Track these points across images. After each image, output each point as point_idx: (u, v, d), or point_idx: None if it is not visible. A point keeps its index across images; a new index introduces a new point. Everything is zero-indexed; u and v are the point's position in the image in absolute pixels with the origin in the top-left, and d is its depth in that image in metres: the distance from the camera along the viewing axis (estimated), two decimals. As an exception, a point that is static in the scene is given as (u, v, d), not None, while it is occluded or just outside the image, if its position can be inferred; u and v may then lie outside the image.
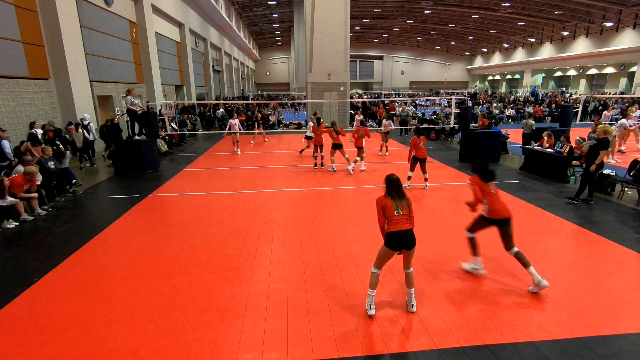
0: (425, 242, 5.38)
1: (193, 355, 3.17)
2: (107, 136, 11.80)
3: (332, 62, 18.96)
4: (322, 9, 18.21)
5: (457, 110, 13.58)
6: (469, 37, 50.34)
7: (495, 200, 4.39)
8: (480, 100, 30.86)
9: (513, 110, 23.77)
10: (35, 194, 6.85)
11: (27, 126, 10.14)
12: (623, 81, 34.41)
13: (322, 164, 10.50)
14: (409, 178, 8.19)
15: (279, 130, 20.09)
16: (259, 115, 18.66)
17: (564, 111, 11.89)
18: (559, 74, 43.39)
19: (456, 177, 9.41)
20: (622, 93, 31.31)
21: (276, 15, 40.87)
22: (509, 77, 52.76)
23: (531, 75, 45.22)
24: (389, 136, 12.97)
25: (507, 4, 32.16)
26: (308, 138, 12.18)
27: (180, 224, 6.30)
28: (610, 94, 31.93)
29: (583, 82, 39.04)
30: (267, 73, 61.40)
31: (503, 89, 52.59)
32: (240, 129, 13.57)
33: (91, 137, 11.16)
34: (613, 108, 18.23)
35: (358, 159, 9.76)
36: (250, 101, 29.26)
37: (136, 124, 10.91)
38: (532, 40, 43.05)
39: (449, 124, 14.68)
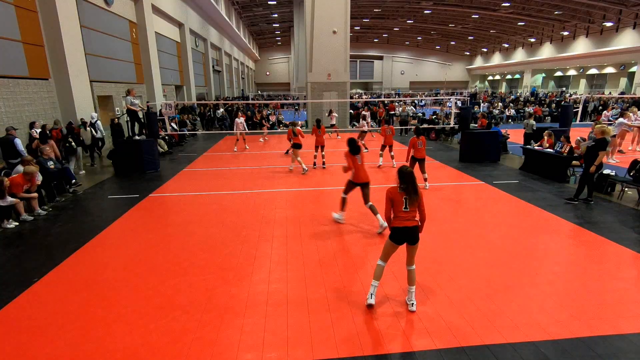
0: (425, 242, 5.37)
1: (193, 355, 3.17)
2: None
3: (332, 62, 18.96)
4: (322, 9, 18.21)
5: (457, 110, 13.58)
6: (469, 37, 50.32)
7: (359, 169, 5.95)
8: (480, 100, 30.85)
9: (513, 110, 23.77)
10: (35, 194, 6.85)
11: (27, 126, 10.14)
12: (623, 81, 34.39)
13: (323, 163, 10.55)
14: None
15: (279, 130, 20.09)
16: (259, 115, 18.71)
17: (564, 111, 11.88)
18: (559, 74, 43.37)
19: (456, 177, 9.41)
20: (622, 93, 31.30)
21: (276, 15, 40.85)
22: (509, 77, 52.74)
23: (531, 75, 45.20)
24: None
25: (507, 4, 32.14)
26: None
27: (180, 224, 6.30)
28: (610, 94, 31.90)
29: (583, 82, 39.01)
30: (267, 73, 61.38)
31: (503, 89, 52.57)
32: (244, 128, 13.93)
33: (99, 135, 11.38)
34: (613, 108, 18.23)
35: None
36: (250, 101, 29.26)
37: (136, 124, 10.92)
38: (532, 40, 43.04)
39: (449, 124, 14.68)
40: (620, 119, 11.18)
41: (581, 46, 35.99)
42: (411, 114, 21.12)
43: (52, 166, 7.91)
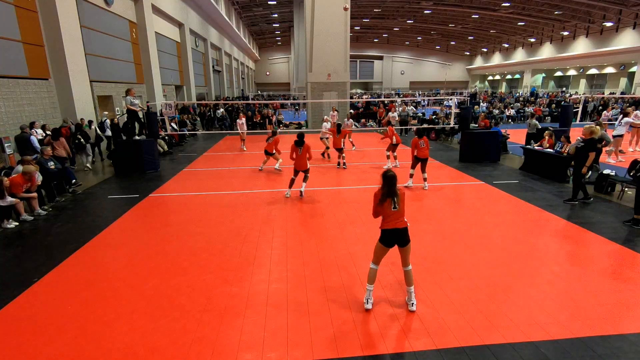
0: (425, 242, 5.38)
1: (193, 355, 3.17)
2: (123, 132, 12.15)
3: (332, 62, 18.96)
4: (322, 9, 18.21)
5: (457, 110, 13.58)
6: (469, 37, 50.34)
7: (298, 159, 7.45)
8: (480, 100, 30.85)
9: (513, 110, 23.78)
10: (35, 194, 6.84)
11: (27, 126, 10.14)
12: (623, 81, 34.39)
13: (344, 164, 10.63)
14: (411, 176, 8.29)
15: (279, 130, 20.06)
16: (259, 116, 18.68)
17: (564, 111, 11.88)
18: (559, 74, 43.39)
19: (456, 177, 9.41)
20: (622, 93, 31.31)
21: (276, 15, 40.85)
22: (509, 77, 52.76)
23: (531, 75, 45.21)
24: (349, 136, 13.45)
25: (507, 4, 32.15)
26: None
27: (180, 224, 6.30)
28: (611, 94, 31.89)
29: (583, 82, 39.03)
30: (267, 73, 61.39)
31: (503, 89, 52.58)
32: (245, 128, 14.05)
33: (107, 133, 11.74)
34: (613, 108, 18.23)
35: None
36: (250, 101, 29.25)
37: (136, 124, 10.92)
38: (532, 40, 43.05)
39: (449, 124, 14.68)
40: (626, 118, 11.13)
41: (581, 46, 36.00)
42: (411, 114, 21.12)
43: (52, 166, 7.91)
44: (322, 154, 12.08)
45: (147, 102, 15.60)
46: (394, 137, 10.07)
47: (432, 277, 4.39)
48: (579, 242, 5.40)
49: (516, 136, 14.99)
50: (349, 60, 19.62)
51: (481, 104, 26.12)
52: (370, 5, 37.49)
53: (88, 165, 10.85)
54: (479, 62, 57.61)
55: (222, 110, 21.87)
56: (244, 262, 4.87)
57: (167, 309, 3.82)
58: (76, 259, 5.06)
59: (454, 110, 14.30)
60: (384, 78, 60.62)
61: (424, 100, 36.54)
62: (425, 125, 16.49)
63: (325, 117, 14.22)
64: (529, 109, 23.77)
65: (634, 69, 31.67)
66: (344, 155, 10.63)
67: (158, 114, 13.19)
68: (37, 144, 8.77)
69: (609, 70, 35.93)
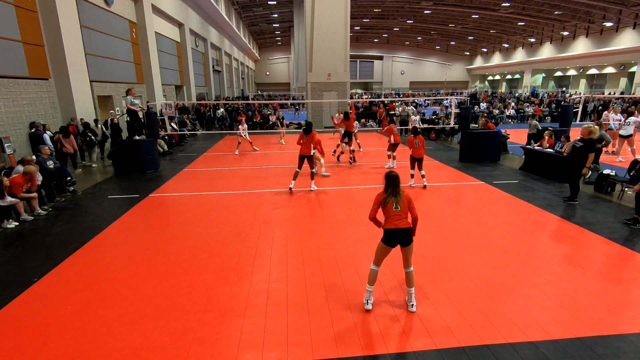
0: (425, 242, 5.38)
1: (193, 355, 3.17)
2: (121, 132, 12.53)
3: (332, 62, 18.95)
4: (322, 9, 18.20)
5: (457, 110, 13.58)
6: (469, 37, 50.33)
7: (303, 145, 7.89)
8: (480, 100, 30.84)
9: (513, 110, 23.79)
10: (35, 194, 6.84)
11: (27, 126, 10.14)
12: (623, 81, 34.39)
13: (354, 159, 10.86)
14: (412, 176, 8.37)
15: (279, 130, 20.07)
16: (258, 116, 18.65)
17: (564, 111, 11.88)
18: (559, 74, 43.38)
19: (456, 177, 9.41)
20: (622, 93, 31.31)
21: (276, 15, 40.84)
22: (509, 77, 52.75)
23: (531, 75, 45.21)
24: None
25: (507, 4, 32.14)
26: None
27: (180, 224, 6.30)
28: (611, 93, 31.90)
29: (583, 82, 39.02)
30: (267, 73, 61.37)
31: (503, 89, 52.58)
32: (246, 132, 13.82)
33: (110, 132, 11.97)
34: (612, 108, 18.19)
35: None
36: (250, 101, 29.26)
37: (136, 123, 10.92)
38: (532, 40, 43.04)
39: (449, 124, 14.68)
40: (632, 118, 11.09)
41: (581, 46, 35.99)
42: (411, 114, 21.11)
43: (52, 166, 7.91)
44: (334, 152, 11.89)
45: (147, 102, 15.60)
46: (392, 137, 10.05)
47: (432, 277, 4.39)
48: (579, 242, 5.40)
49: (516, 136, 15.00)
50: (349, 60, 19.62)
51: (481, 104, 26.12)
52: (370, 5, 37.48)
53: (94, 163, 11.20)
54: (479, 62, 57.60)
55: (222, 110, 21.87)
56: (244, 262, 4.87)
57: (167, 309, 3.82)
58: (76, 259, 5.06)
59: (454, 110, 14.30)
60: (384, 78, 60.61)
61: (425, 101, 36.52)
62: (425, 125, 16.49)
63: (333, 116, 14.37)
64: (529, 109, 23.81)
65: (634, 69, 31.66)
66: (352, 149, 10.85)
67: (158, 114, 13.20)
68: (49, 141, 9.49)
69: (609, 70, 35.92)
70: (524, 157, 10.26)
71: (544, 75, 45.57)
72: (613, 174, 7.74)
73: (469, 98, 26.50)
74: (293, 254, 5.08)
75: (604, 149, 10.16)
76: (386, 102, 23.00)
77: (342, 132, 11.18)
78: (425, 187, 8.18)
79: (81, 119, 11.61)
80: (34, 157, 7.93)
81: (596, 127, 6.83)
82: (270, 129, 19.77)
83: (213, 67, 30.85)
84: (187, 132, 16.64)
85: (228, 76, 37.33)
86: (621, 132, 10.81)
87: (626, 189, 7.49)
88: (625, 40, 30.66)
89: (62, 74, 11.29)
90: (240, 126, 13.80)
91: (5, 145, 9.10)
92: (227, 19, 30.48)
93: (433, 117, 19.08)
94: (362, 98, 38.40)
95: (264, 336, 3.40)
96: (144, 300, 3.98)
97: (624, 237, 5.46)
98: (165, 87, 20.11)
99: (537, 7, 32.56)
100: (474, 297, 3.96)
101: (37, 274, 4.61)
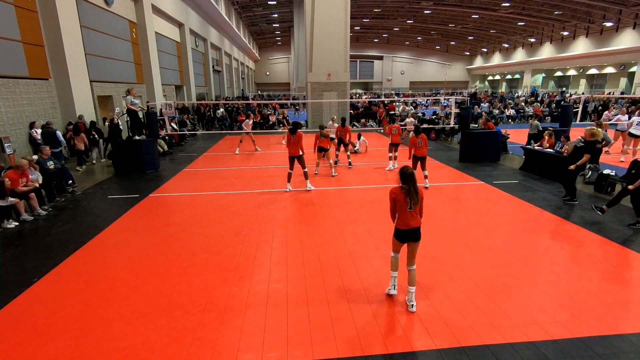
0: (426, 242, 5.36)
1: (193, 355, 3.17)
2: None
3: (332, 62, 18.96)
4: (322, 9, 18.21)
5: (457, 110, 13.58)
6: (469, 37, 50.34)
7: (290, 146, 7.86)
8: (482, 99, 30.82)
9: (513, 110, 23.79)
10: (34, 194, 6.83)
11: (27, 126, 10.15)
12: (623, 81, 34.40)
13: (349, 163, 10.70)
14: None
15: (279, 130, 20.08)
16: (258, 116, 18.61)
17: (564, 111, 11.88)
18: (559, 74, 43.39)
19: (456, 177, 9.41)
20: (622, 93, 31.31)
21: (276, 15, 40.85)
22: (509, 77, 52.76)
23: (531, 75, 45.22)
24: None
25: (507, 4, 32.16)
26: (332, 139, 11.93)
27: (180, 224, 6.30)
28: (611, 93, 31.89)
29: (583, 82, 39.04)
30: (267, 73, 61.39)
31: (503, 89, 52.59)
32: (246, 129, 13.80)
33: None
34: (613, 108, 18.20)
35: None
36: (250, 101, 29.25)
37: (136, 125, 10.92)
38: (532, 40, 43.05)
39: (449, 124, 14.68)
40: (635, 117, 11.06)
41: (581, 46, 36.00)
42: (408, 120, 21.11)
43: (52, 166, 7.91)
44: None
45: (147, 102, 15.60)
46: (390, 136, 10.05)
47: (432, 277, 4.39)
48: (579, 242, 5.40)
49: (516, 136, 15.00)
50: (349, 60, 19.62)
51: (482, 104, 26.09)
52: (370, 5, 37.49)
53: (94, 160, 11.48)
54: (479, 62, 57.62)
55: (222, 110, 21.87)
56: (244, 262, 4.87)
57: (167, 309, 3.82)
58: (76, 259, 5.06)
59: (454, 110, 14.30)
60: (384, 78, 60.62)
61: (427, 101, 36.53)
62: (425, 125, 16.48)
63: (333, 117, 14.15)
64: (529, 109, 23.81)
65: (634, 69, 31.67)
66: (349, 153, 10.69)
67: (158, 114, 13.20)
68: (61, 138, 10.08)
69: (609, 70, 35.93)
70: (524, 157, 10.26)
71: (544, 75, 45.59)
72: (613, 174, 7.74)
73: (469, 98, 26.49)
74: (293, 254, 5.08)
75: (604, 149, 10.15)
76: (386, 102, 23.00)
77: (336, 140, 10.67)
78: (426, 187, 8.16)
79: (69, 122, 11.58)
80: (34, 157, 7.94)
81: (599, 130, 6.84)
82: (270, 129, 19.77)
83: (213, 67, 30.86)
84: (187, 132, 16.64)
85: (228, 76, 37.34)
86: (631, 130, 10.73)
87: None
88: (625, 40, 30.67)
89: (62, 74, 11.31)
90: (248, 121, 13.66)
91: (5, 145, 9.11)
92: (227, 19, 30.49)
93: (433, 117, 19.08)
94: (361, 98, 38.37)
95: (264, 336, 3.40)
96: (144, 300, 3.98)
97: (624, 237, 5.46)
98: (165, 87, 20.12)
99: (537, 7, 32.57)
100: (474, 297, 3.96)
101: (37, 274, 4.61)
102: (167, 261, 4.91)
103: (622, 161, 10.45)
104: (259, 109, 23.84)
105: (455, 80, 59.39)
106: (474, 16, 38.39)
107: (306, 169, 8.18)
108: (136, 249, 5.34)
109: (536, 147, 9.64)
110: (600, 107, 22.34)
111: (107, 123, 12.12)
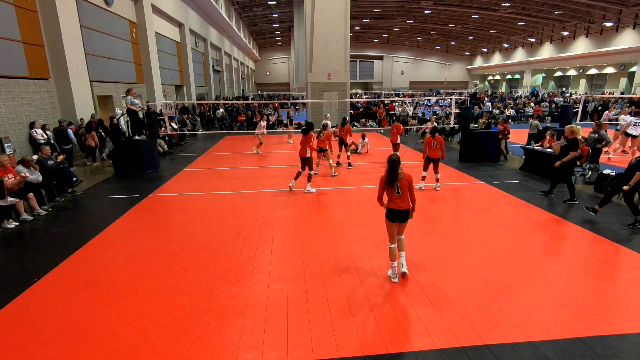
0: (425, 242, 5.39)
1: (193, 355, 3.17)
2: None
3: (332, 62, 18.95)
4: (322, 9, 18.20)
5: (457, 110, 13.58)
6: (469, 37, 50.33)
7: (301, 146, 7.86)
8: (486, 99, 30.79)
9: (513, 110, 23.79)
10: (32, 194, 6.82)
11: (27, 126, 10.15)
12: (623, 81, 34.40)
13: (349, 164, 10.66)
14: (423, 178, 8.20)
15: (279, 130, 20.09)
16: (258, 116, 18.56)
17: (564, 111, 11.88)
18: (559, 74, 43.38)
19: (456, 177, 9.41)
20: (622, 93, 31.31)
21: (276, 15, 40.83)
22: (509, 77, 52.75)
23: (531, 75, 45.21)
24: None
25: (507, 4, 32.15)
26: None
27: (180, 224, 6.30)
28: (611, 93, 31.88)
29: (583, 82, 39.03)
30: (267, 73, 61.37)
31: (503, 89, 52.58)
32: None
33: (122, 127, 12.54)
34: (614, 108, 18.19)
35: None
36: (250, 101, 29.24)
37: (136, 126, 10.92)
38: (532, 40, 43.05)
39: (449, 124, 14.68)
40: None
41: (581, 46, 36.00)
42: (411, 114, 21.14)
43: (51, 162, 7.91)
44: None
45: (147, 102, 15.60)
46: (391, 135, 10.12)
47: (432, 277, 4.39)
48: (579, 242, 5.40)
49: (516, 136, 14.97)
50: (349, 60, 19.62)
51: (486, 103, 26.05)
52: (370, 5, 37.48)
53: (99, 159, 11.83)
54: (479, 62, 57.61)
55: (222, 110, 21.87)
56: (244, 262, 4.87)
57: (167, 309, 3.82)
58: (76, 259, 5.06)
59: (454, 110, 14.29)
60: (384, 78, 60.62)
61: (429, 101, 36.52)
62: (435, 125, 16.45)
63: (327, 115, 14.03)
64: (529, 109, 23.81)
65: (634, 69, 31.67)
66: (349, 154, 10.69)
67: (158, 114, 13.20)
68: (72, 136, 10.57)
69: (609, 70, 35.92)
70: (524, 157, 10.26)
71: (544, 75, 45.58)
72: (613, 174, 7.73)
73: (469, 98, 26.49)
74: (293, 254, 5.08)
75: (604, 149, 10.14)
76: (386, 102, 23.00)
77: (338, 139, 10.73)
78: (437, 190, 8.10)
79: (81, 119, 11.64)
80: (34, 157, 7.94)
81: (578, 127, 7.10)
82: (271, 129, 19.77)
83: (213, 67, 30.86)
84: (187, 132, 16.64)
85: (228, 76, 37.34)
86: (630, 131, 10.73)
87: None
88: (625, 40, 30.67)
89: (62, 74, 11.30)
90: (261, 122, 13.43)
91: (5, 145, 9.11)
92: (227, 19, 30.48)
93: (433, 117, 19.06)
94: (361, 98, 38.36)
95: (264, 336, 3.40)
96: (144, 300, 3.99)
97: (624, 237, 5.46)
98: (165, 87, 20.12)
99: (537, 7, 32.57)
100: (474, 297, 3.96)
101: (37, 274, 4.61)
102: (167, 261, 4.91)
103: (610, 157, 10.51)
104: (259, 109, 23.83)
105: (455, 80, 59.38)
106: (474, 16, 38.39)
107: (311, 172, 8.11)
108: (136, 249, 5.35)
109: (536, 147, 9.64)
110: (600, 107, 22.33)
111: (114, 121, 12.53)
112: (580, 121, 15.69)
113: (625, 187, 5.75)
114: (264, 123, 13.62)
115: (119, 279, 4.49)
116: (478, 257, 4.91)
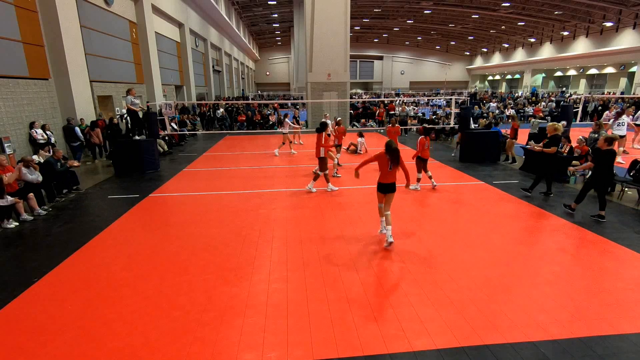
0: (425, 242, 5.39)
1: (193, 355, 3.17)
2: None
3: (332, 62, 18.95)
4: (322, 9, 18.20)
5: (457, 110, 13.58)
6: (469, 37, 50.33)
7: (316, 145, 7.88)
8: (490, 99, 30.76)
9: (513, 110, 23.77)
10: (32, 194, 6.82)
11: (27, 126, 10.14)
12: (623, 81, 34.39)
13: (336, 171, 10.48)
14: (418, 180, 8.14)
15: (279, 130, 20.07)
16: (259, 115, 18.55)
17: (564, 111, 11.87)
18: (559, 74, 43.38)
19: (456, 177, 9.41)
20: (622, 93, 31.30)
21: (276, 15, 40.85)
22: (509, 77, 52.75)
23: (531, 75, 45.21)
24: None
25: (507, 4, 32.15)
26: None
27: (180, 224, 6.30)
28: (611, 94, 31.87)
29: (583, 82, 39.02)
30: (267, 73, 61.38)
31: (503, 89, 52.58)
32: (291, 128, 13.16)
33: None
34: (614, 108, 18.18)
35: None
36: (250, 101, 29.24)
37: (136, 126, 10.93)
38: (532, 40, 43.05)
39: (449, 124, 14.68)
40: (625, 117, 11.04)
41: (581, 46, 36.00)
42: (411, 114, 21.13)
43: (59, 165, 7.96)
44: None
45: (147, 102, 15.60)
46: (390, 137, 10.08)
47: (432, 277, 4.39)
48: (579, 242, 5.40)
49: (517, 136, 14.95)
50: (349, 60, 19.62)
51: (491, 104, 26.01)
52: (370, 5, 37.48)
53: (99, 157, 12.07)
54: (479, 62, 57.61)
55: (222, 110, 21.87)
56: (244, 262, 4.87)
57: (167, 309, 3.82)
58: (76, 259, 5.06)
59: (454, 110, 14.29)
60: (384, 78, 60.63)
61: (430, 101, 36.53)
62: (425, 125, 16.47)
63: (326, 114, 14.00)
64: (529, 109, 23.80)
65: (634, 69, 31.66)
66: (339, 155, 10.48)
67: (158, 114, 13.20)
68: (79, 133, 11.01)
69: (609, 70, 35.92)
70: (524, 157, 10.26)
71: (544, 75, 45.58)
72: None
73: (469, 98, 26.47)
74: (293, 254, 5.08)
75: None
76: (386, 102, 22.99)
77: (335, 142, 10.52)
78: (435, 186, 8.15)
79: (81, 119, 11.63)
80: (34, 157, 7.95)
81: (560, 124, 7.42)
82: (270, 129, 19.76)
83: (213, 67, 30.86)
84: (187, 132, 16.63)
85: (228, 76, 37.34)
86: (616, 131, 10.75)
87: (626, 189, 7.49)
88: (625, 40, 30.66)
89: (62, 74, 11.30)
90: (286, 120, 12.95)
91: (5, 145, 9.11)
92: (227, 19, 30.49)
93: (433, 117, 19.08)
94: (361, 98, 38.36)
95: (264, 336, 3.40)
96: (144, 300, 3.99)
97: (624, 237, 5.46)
98: (165, 87, 20.11)
99: (537, 7, 32.57)
100: (474, 297, 3.96)
101: (37, 274, 4.62)
102: (167, 261, 4.91)
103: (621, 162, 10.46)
104: (259, 109, 23.82)
105: (455, 80, 59.39)
106: (474, 16, 38.39)
107: (320, 173, 8.05)
108: (136, 249, 5.35)
109: (536, 148, 9.61)
110: (600, 107, 22.32)
111: (123, 120, 12.88)
112: (580, 121, 15.71)
113: (584, 166, 6.60)
114: (288, 120, 13.03)
115: (119, 279, 4.49)
116: (478, 257, 4.92)
